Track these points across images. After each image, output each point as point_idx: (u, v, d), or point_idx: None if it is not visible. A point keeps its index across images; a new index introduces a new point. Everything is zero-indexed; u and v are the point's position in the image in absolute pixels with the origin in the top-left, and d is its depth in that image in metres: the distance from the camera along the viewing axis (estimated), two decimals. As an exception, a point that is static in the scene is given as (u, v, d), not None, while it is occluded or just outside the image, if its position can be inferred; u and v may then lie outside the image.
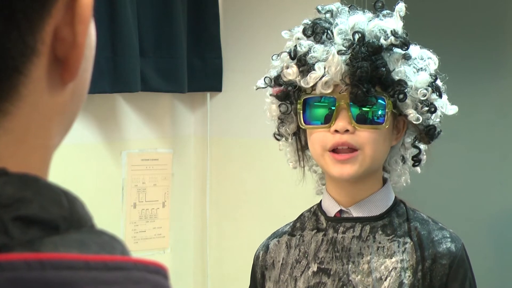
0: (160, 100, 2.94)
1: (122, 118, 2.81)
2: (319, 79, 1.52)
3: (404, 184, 1.68)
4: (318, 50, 1.53)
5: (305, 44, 1.55)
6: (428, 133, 1.59)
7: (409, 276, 1.54)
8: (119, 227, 2.79)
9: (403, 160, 1.66)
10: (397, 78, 1.53)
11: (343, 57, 1.50)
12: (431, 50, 1.62)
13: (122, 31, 2.63)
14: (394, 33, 1.53)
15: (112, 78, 2.64)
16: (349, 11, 1.59)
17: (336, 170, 1.53)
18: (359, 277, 1.55)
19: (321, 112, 1.56)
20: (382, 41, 1.52)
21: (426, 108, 1.55)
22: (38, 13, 0.51)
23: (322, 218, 1.63)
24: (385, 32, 1.53)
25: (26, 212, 0.48)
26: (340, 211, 1.61)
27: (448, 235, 1.59)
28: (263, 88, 1.64)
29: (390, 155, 1.64)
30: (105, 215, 2.69)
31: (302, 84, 1.55)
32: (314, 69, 1.52)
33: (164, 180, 2.94)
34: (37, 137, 0.54)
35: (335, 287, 1.55)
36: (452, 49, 2.98)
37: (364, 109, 1.53)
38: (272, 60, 1.63)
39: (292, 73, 1.56)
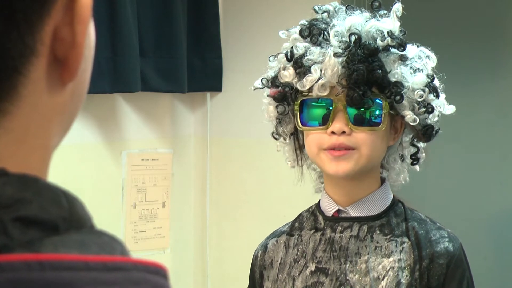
0: (160, 100, 2.94)
1: (122, 118, 2.81)
2: (316, 82, 1.52)
3: (403, 182, 1.68)
4: (315, 53, 1.53)
5: (301, 46, 1.55)
6: (426, 133, 1.59)
7: (406, 276, 1.54)
8: (119, 227, 2.79)
9: (402, 158, 1.66)
10: (393, 79, 1.53)
11: (340, 59, 1.50)
12: (429, 48, 1.62)
13: (122, 31, 2.63)
14: (390, 34, 1.53)
15: (112, 78, 2.63)
16: (346, 11, 1.58)
17: (332, 167, 1.54)
18: (356, 276, 1.55)
19: (318, 113, 1.56)
20: (378, 42, 1.52)
21: (423, 109, 1.55)
22: (38, 14, 0.51)
23: (320, 218, 1.63)
24: (381, 33, 1.53)
25: (25, 213, 0.48)
26: (338, 211, 1.62)
27: (446, 235, 1.59)
28: (260, 88, 1.64)
29: (388, 154, 1.65)
30: (105, 215, 2.69)
31: (299, 86, 1.55)
32: (310, 72, 1.53)
33: (164, 180, 2.94)
34: (36, 137, 0.54)
35: (332, 287, 1.56)
36: (452, 49, 2.98)
37: (360, 110, 1.53)
38: (269, 61, 1.63)
39: (288, 75, 1.56)
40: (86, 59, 0.56)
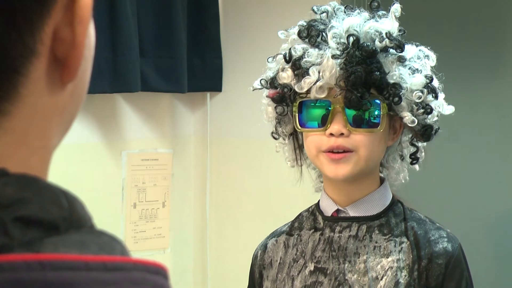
0: (160, 100, 2.94)
1: (122, 118, 2.81)
2: (313, 84, 1.52)
3: (403, 181, 1.69)
4: (313, 54, 1.53)
5: (299, 48, 1.55)
6: (425, 133, 1.59)
7: (405, 276, 1.54)
8: (119, 227, 2.79)
9: (402, 157, 1.66)
10: (392, 81, 1.53)
11: (338, 61, 1.50)
12: (429, 48, 1.62)
13: (122, 31, 2.63)
14: (388, 35, 1.52)
15: (112, 78, 2.64)
16: (345, 11, 1.58)
17: (331, 170, 1.54)
18: (355, 276, 1.55)
19: (316, 115, 1.56)
20: (377, 43, 1.52)
21: (422, 110, 1.55)
22: (38, 14, 0.51)
23: (319, 218, 1.64)
24: (380, 34, 1.53)
25: (26, 213, 0.48)
26: (337, 211, 1.62)
27: (445, 235, 1.59)
28: (259, 89, 1.64)
29: (388, 153, 1.65)
30: (105, 215, 2.69)
31: (297, 89, 1.55)
32: (308, 74, 1.53)
33: (164, 180, 2.94)
34: (36, 137, 0.54)
35: (331, 286, 1.56)
36: (452, 49, 2.98)
37: (359, 112, 1.53)
38: (268, 62, 1.63)
39: (287, 76, 1.56)
40: (86, 59, 0.56)
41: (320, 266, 1.59)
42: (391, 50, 1.53)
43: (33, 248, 0.48)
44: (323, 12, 1.59)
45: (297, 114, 1.58)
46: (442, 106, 1.60)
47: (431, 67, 1.60)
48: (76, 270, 0.48)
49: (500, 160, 3.06)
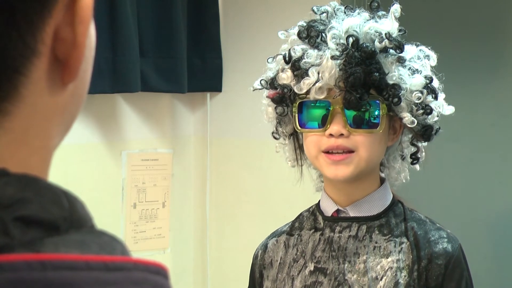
0: (160, 100, 2.94)
1: (122, 118, 2.81)
2: (313, 85, 1.52)
3: (404, 181, 1.68)
4: (312, 55, 1.53)
5: (298, 49, 1.55)
6: (425, 133, 1.59)
7: (404, 276, 1.54)
8: (119, 227, 2.79)
9: (402, 157, 1.66)
10: (391, 82, 1.53)
11: (337, 62, 1.50)
12: (429, 48, 1.61)
13: (122, 31, 2.63)
14: (388, 36, 1.52)
15: (112, 78, 2.64)
16: (345, 12, 1.58)
17: (331, 171, 1.54)
18: (355, 276, 1.55)
19: (316, 115, 1.56)
20: (376, 44, 1.52)
21: (421, 111, 1.55)
22: (38, 14, 0.51)
23: (320, 218, 1.64)
24: (379, 35, 1.52)
25: (26, 213, 0.48)
26: (338, 211, 1.62)
27: (445, 235, 1.59)
28: (259, 89, 1.65)
29: (388, 153, 1.65)
30: (105, 215, 2.69)
31: (296, 90, 1.55)
32: (307, 75, 1.53)
33: (164, 180, 2.94)
34: (37, 137, 0.54)
35: (331, 287, 1.56)
36: (452, 49, 2.98)
37: (358, 113, 1.53)
38: (268, 63, 1.63)
39: (286, 77, 1.56)
40: (87, 59, 0.56)
41: (320, 266, 1.59)
42: (391, 51, 1.53)
43: (33, 248, 0.48)
44: (323, 13, 1.59)
45: (297, 115, 1.58)
46: (442, 107, 1.60)
47: (432, 67, 1.60)
48: (76, 270, 0.48)
49: (500, 160, 3.06)
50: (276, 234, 1.70)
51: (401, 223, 1.61)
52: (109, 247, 0.52)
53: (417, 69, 1.56)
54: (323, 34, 1.54)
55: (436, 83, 1.59)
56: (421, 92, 1.54)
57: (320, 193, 1.69)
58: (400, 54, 1.54)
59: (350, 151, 1.53)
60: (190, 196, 3.08)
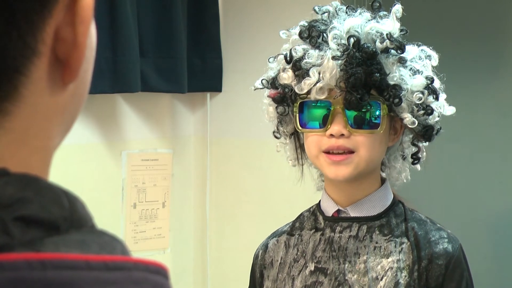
0: (160, 100, 2.94)
1: (122, 118, 2.81)
2: (314, 85, 1.52)
3: (405, 181, 1.68)
4: (313, 55, 1.53)
5: (299, 49, 1.55)
6: (425, 134, 1.59)
7: (405, 276, 1.54)
8: (119, 227, 2.79)
9: (403, 157, 1.66)
10: (392, 82, 1.53)
11: (338, 62, 1.50)
12: (431, 48, 1.61)
13: (122, 31, 2.63)
14: (389, 36, 1.52)
15: (112, 78, 2.64)
16: (346, 11, 1.58)
17: (331, 171, 1.54)
18: (355, 276, 1.55)
19: (316, 115, 1.56)
20: (377, 44, 1.52)
21: (422, 111, 1.55)
22: (39, 14, 0.51)
23: (320, 218, 1.64)
24: (381, 35, 1.52)
25: (26, 212, 0.48)
26: (338, 211, 1.62)
27: (445, 236, 1.59)
28: (260, 89, 1.65)
29: (389, 153, 1.65)
30: (105, 215, 2.69)
31: (297, 90, 1.55)
32: (308, 75, 1.52)
33: (164, 180, 2.94)
34: (37, 137, 0.54)
35: (331, 287, 1.56)
36: (452, 49, 2.98)
37: (359, 113, 1.53)
38: (269, 62, 1.63)
39: (287, 77, 1.56)
40: (88, 59, 0.56)
41: (320, 266, 1.59)
42: (392, 51, 1.53)
43: (34, 247, 0.48)
44: (324, 12, 1.59)
45: (297, 115, 1.58)
46: (443, 107, 1.60)
47: (433, 67, 1.60)
48: (77, 269, 0.48)
49: (500, 160, 3.06)
50: (276, 234, 1.70)
51: (401, 223, 1.61)
52: (109, 247, 0.52)
53: (418, 70, 1.56)
54: (325, 34, 1.54)
55: (437, 84, 1.59)
56: (422, 93, 1.54)
57: (320, 192, 1.69)
58: (401, 55, 1.54)
59: (351, 152, 1.53)
60: (190, 196, 3.08)
